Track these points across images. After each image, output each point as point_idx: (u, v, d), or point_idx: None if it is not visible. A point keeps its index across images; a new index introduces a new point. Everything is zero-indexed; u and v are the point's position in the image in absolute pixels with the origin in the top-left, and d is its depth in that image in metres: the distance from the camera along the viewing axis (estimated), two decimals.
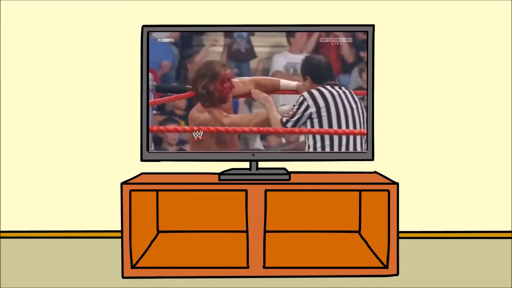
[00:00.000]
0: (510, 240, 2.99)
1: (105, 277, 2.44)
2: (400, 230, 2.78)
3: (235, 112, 2.63)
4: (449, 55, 3.01)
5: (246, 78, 2.59)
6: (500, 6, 3.00)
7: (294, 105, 2.57)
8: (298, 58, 2.60)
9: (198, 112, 2.55)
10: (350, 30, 2.57)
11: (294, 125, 2.56)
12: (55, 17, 3.01)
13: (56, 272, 2.52)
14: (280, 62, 2.63)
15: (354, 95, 2.57)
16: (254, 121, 2.60)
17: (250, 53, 2.58)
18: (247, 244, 2.43)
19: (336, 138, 2.57)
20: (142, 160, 2.59)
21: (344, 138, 2.58)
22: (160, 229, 2.89)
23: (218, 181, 2.49)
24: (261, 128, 2.58)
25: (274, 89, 2.60)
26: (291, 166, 2.81)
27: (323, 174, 2.77)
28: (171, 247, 2.68)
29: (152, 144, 2.58)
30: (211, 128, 2.54)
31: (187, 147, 2.61)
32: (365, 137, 2.56)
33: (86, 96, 3.03)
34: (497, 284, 2.37)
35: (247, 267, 2.42)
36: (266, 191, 2.44)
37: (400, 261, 2.48)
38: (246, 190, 2.43)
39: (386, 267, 2.44)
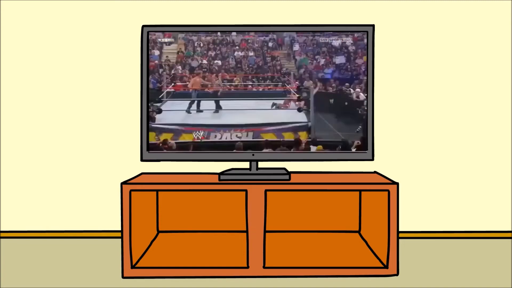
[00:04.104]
0: (510, 240, 2.99)
1: (105, 277, 2.44)
2: (400, 230, 2.78)
3: None
4: (449, 55, 3.01)
5: None
6: (500, 6, 3.00)
7: None
8: None
9: None
10: (350, 30, 2.57)
11: None
12: (55, 17, 3.01)
13: (56, 272, 2.52)
14: None
15: None
16: None
17: None
18: (247, 244, 2.43)
19: None
20: (142, 160, 2.59)
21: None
22: (160, 229, 2.89)
23: (218, 181, 2.49)
24: None
25: None
26: (291, 166, 2.81)
27: (323, 174, 2.77)
28: (171, 247, 2.68)
29: None
30: None
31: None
32: None
33: (86, 96, 3.03)
34: (497, 284, 2.37)
35: (247, 267, 2.42)
36: (266, 191, 2.43)
37: (400, 261, 2.48)
38: (246, 190, 2.43)
39: (386, 267, 2.44)
